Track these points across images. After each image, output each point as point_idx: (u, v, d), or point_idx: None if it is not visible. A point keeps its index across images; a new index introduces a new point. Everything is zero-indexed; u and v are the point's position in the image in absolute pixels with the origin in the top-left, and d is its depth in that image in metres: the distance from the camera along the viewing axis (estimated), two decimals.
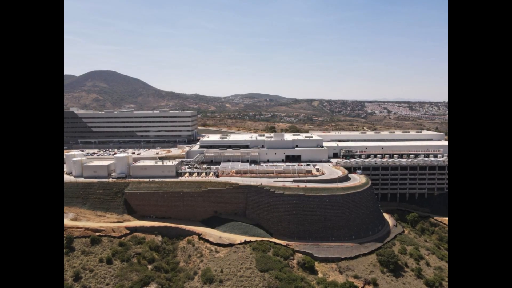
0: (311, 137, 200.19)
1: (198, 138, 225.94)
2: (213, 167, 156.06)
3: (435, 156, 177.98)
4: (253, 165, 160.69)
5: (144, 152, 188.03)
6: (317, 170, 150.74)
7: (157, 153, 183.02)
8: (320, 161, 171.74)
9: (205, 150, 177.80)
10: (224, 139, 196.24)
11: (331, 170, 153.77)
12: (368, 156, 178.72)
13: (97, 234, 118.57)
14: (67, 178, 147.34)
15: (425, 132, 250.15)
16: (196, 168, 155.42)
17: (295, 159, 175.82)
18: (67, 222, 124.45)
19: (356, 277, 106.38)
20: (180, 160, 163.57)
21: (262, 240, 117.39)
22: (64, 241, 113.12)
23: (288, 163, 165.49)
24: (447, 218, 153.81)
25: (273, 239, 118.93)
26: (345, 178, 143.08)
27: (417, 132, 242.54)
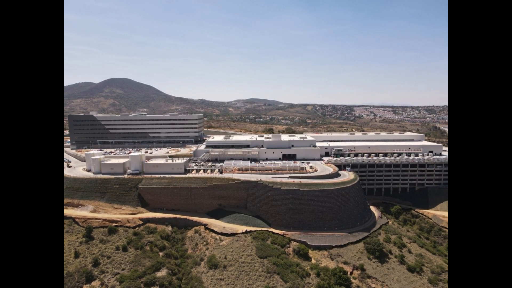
0: (305, 138, 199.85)
1: (204, 138, 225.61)
2: (218, 164, 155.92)
3: (416, 155, 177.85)
4: (253, 163, 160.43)
5: (156, 151, 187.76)
6: (311, 167, 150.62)
7: (167, 152, 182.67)
8: (313, 159, 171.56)
9: (210, 149, 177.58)
10: (227, 140, 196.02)
11: (323, 167, 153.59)
12: (356, 155, 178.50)
13: (114, 224, 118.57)
14: (87, 174, 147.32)
15: (407, 133, 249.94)
16: (202, 165, 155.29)
17: (291, 157, 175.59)
18: (87, 214, 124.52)
19: (345, 263, 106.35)
20: (188, 158, 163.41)
21: (261, 230, 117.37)
22: (84, 231, 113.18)
23: (284, 161, 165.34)
24: (427, 210, 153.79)
25: (271, 229, 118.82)
26: (336, 175, 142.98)
27: (400, 133, 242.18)
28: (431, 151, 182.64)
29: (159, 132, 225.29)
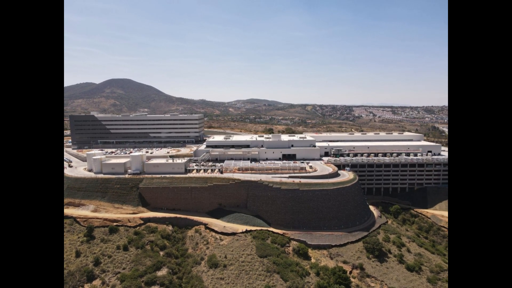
0: (305, 138, 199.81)
1: (204, 138, 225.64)
2: (218, 164, 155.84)
3: (415, 155, 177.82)
4: (253, 162, 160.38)
5: (157, 151, 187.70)
6: (310, 167, 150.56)
7: (168, 152, 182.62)
8: (313, 159, 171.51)
9: (210, 149, 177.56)
10: (227, 140, 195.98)
11: (323, 167, 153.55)
12: (355, 155, 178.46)
13: (115, 224, 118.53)
14: (88, 174, 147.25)
15: (406, 133, 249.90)
16: (202, 165, 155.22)
17: (291, 157, 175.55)
18: (88, 213, 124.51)
19: (345, 262, 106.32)
20: (189, 158, 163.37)
21: (261, 229, 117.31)
22: (85, 230, 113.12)
23: (284, 161, 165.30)
24: (426, 210, 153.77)
25: (271, 229, 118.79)
26: (335, 174, 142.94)
27: (399, 133, 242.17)
28: (430, 151, 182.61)
29: (159, 132, 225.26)
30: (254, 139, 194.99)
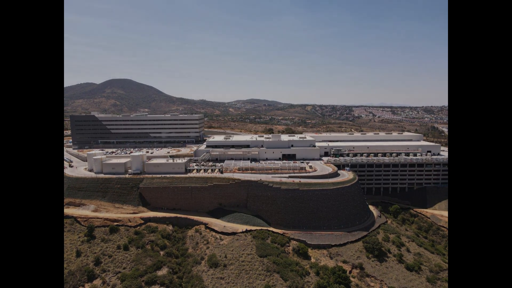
0: (305, 138, 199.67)
1: (204, 138, 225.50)
2: (218, 164, 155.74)
3: (415, 155, 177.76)
4: (253, 162, 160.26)
5: (157, 151, 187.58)
6: (310, 167, 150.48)
7: (168, 152, 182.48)
8: (313, 159, 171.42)
9: (211, 149, 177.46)
10: (227, 140, 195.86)
11: (323, 167, 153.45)
12: (355, 155, 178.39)
13: (115, 223, 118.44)
14: (88, 174, 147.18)
15: (405, 133, 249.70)
16: (203, 165, 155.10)
17: (291, 157, 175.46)
18: (88, 213, 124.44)
19: (344, 262, 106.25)
20: (189, 158, 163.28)
21: (261, 229, 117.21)
22: (86, 230, 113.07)
23: (284, 161, 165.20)
24: (425, 210, 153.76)
25: (271, 228, 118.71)
26: (335, 174, 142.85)
27: (398, 133, 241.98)
28: (430, 151, 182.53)
29: (160, 132, 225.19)
30: (254, 139, 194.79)
